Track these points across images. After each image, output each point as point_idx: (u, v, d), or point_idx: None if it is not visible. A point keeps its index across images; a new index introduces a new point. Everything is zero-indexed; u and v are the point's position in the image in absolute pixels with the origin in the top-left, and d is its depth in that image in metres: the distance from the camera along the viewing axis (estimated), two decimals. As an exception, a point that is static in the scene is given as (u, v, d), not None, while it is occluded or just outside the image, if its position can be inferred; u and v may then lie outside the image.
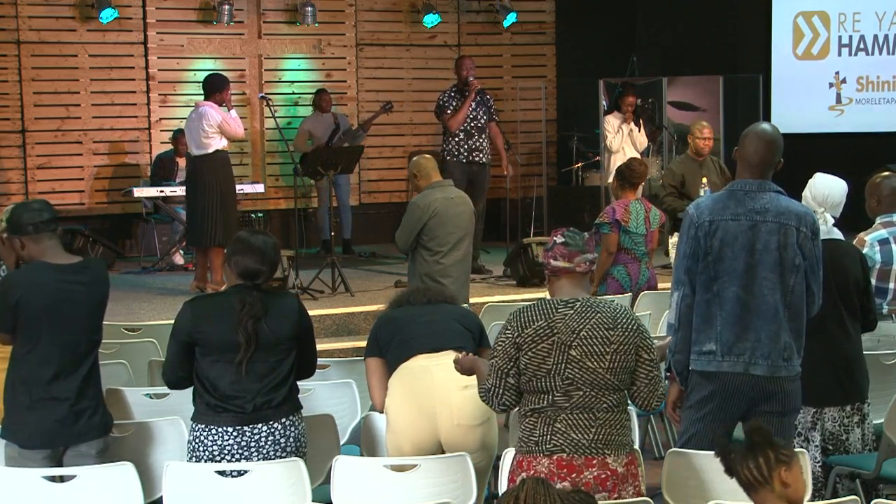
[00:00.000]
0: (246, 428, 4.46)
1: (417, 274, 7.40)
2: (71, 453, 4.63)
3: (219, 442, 4.45)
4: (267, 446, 4.47)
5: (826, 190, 5.15)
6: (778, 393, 4.50)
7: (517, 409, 4.01)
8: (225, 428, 4.45)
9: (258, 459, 4.44)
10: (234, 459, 4.44)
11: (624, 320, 3.93)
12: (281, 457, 4.46)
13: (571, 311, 3.91)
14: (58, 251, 4.69)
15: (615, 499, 3.83)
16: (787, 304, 4.51)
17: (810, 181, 5.23)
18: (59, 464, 4.59)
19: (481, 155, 10.31)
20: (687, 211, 4.65)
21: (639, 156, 11.30)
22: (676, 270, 4.61)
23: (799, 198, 4.71)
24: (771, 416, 4.52)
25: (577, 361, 3.87)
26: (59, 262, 4.66)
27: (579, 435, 3.86)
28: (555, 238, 4.05)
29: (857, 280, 5.05)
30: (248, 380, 4.46)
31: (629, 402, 4.03)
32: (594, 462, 3.85)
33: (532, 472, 3.85)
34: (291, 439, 4.52)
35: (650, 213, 7.81)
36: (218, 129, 9.07)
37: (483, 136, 10.33)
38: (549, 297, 4.05)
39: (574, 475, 3.82)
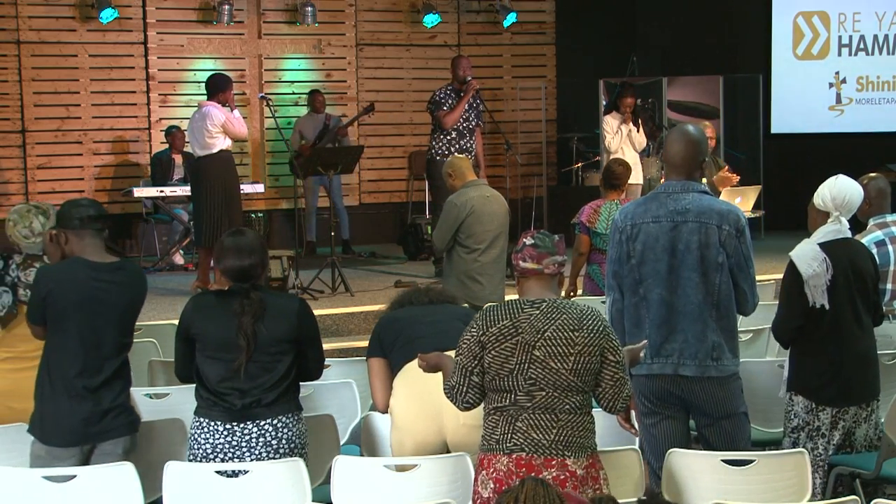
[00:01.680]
0: (236, 427, 4.47)
1: (455, 273, 7.45)
2: (97, 452, 4.64)
3: (211, 441, 4.47)
4: (259, 447, 4.47)
5: (847, 194, 5.10)
6: (710, 394, 4.55)
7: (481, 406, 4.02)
8: (216, 426, 4.47)
9: (251, 459, 4.44)
10: (227, 458, 4.45)
11: (590, 322, 3.92)
12: (273, 458, 4.46)
13: (537, 312, 3.92)
14: (98, 250, 4.74)
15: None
16: (715, 303, 4.55)
17: (832, 181, 5.12)
18: (87, 462, 4.60)
19: (470, 156, 10.31)
20: (614, 216, 4.70)
21: (637, 156, 11.32)
22: (606, 276, 4.72)
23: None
24: (711, 427, 4.60)
25: (540, 362, 3.87)
26: (95, 260, 4.70)
27: (540, 435, 3.87)
28: (524, 240, 4.08)
29: (871, 277, 5.06)
30: (240, 379, 4.47)
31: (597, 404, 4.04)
32: (553, 463, 3.86)
33: (492, 469, 3.89)
34: (284, 441, 4.50)
35: None
36: (222, 128, 9.09)
37: (472, 137, 10.35)
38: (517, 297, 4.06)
39: (533, 475, 3.82)
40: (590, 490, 3.89)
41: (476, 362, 3.93)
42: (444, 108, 10.23)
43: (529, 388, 3.88)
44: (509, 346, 3.89)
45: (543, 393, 3.88)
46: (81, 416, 4.59)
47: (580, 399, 3.93)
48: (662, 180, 11.12)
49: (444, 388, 4.07)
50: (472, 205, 7.42)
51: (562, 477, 3.84)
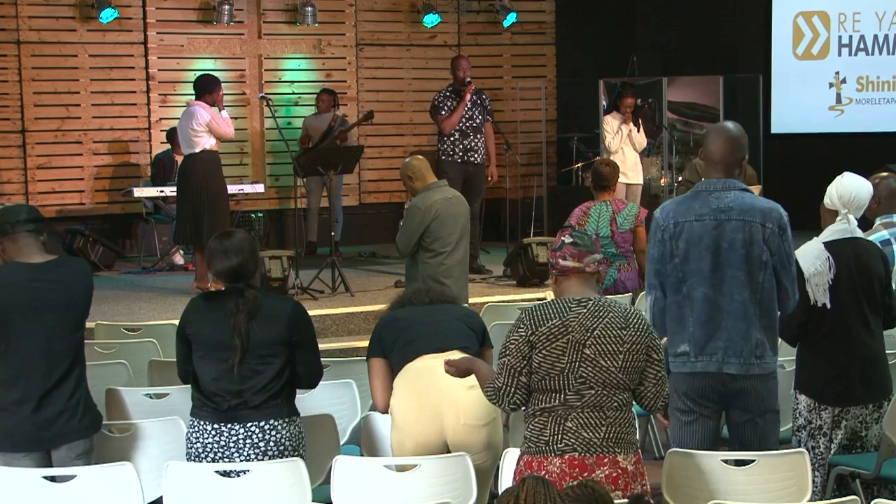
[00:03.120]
0: (223, 427, 4.48)
1: (420, 276, 7.38)
2: (55, 455, 4.60)
3: (201, 440, 4.49)
4: (246, 448, 4.47)
5: (854, 191, 5.11)
6: (752, 392, 4.52)
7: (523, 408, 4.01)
8: (205, 426, 4.49)
9: (240, 460, 4.45)
10: (216, 459, 4.46)
11: (636, 320, 3.95)
12: (262, 460, 4.45)
13: (585, 310, 3.92)
14: (34, 251, 4.65)
15: (626, 497, 3.83)
16: (758, 301, 4.53)
17: (838, 180, 5.15)
18: (49, 465, 4.56)
19: (476, 155, 10.31)
20: (654, 214, 4.66)
21: (637, 156, 11.33)
22: (648, 275, 4.65)
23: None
24: (748, 416, 4.56)
25: (590, 360, 3.87)
26: (32, 262, 4.62)
27: (590, 434, 3.87)
28: (563, 238, 4.06)
29: (880, 277, 5.05)
30: (231, 380, 4.47)
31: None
32: (605, 461, 3.86)
33: (543, 472, 3.85)
34: (272, 443, 4.50)
35: (618, 215, 7.80)
36: (206, 128, 9.14)
37: (479, 136, 10.33)
38: (554, 297, 4.05)
39: (586, 474, 3.82)
40: (638, 486, 3.90)
41: (525, 363, 3.90)
42: (442, 112, 10.24)
43: (579, 386, 3.88)
44: (560, 345, 3.88)
45: (593, 391, 3.88)
46: (32, 421, 4.52)
47: (626, 396, 3.94)
48: (663, 181, 11.03)
49: (487, 391, 4.02)
50: (436, 209, 7.32)
51: (614, 474, 3.85)
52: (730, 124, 4.70)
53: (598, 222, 7.76)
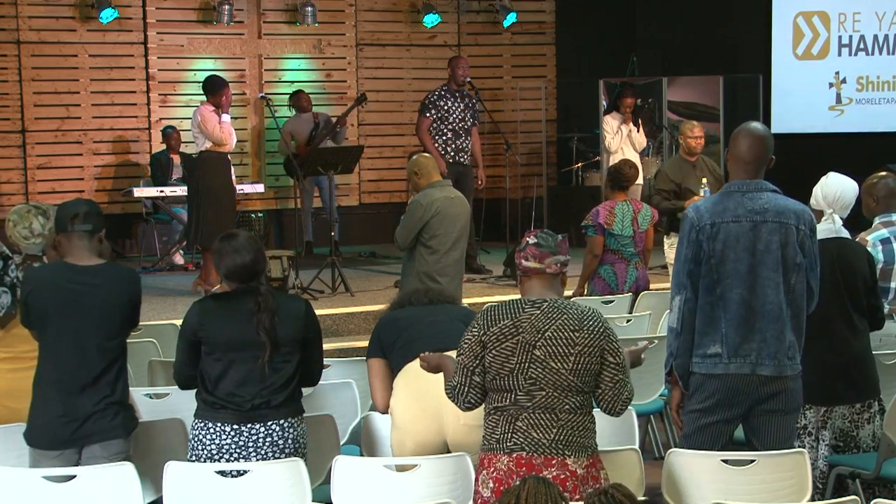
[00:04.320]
0: (244, 428, 4.47)
1: (416, 272, 7.41)
2: (86, 454, 4.61)
3: (217, 441, 4.47)
4: (265, 447, 4.48)
5: (839, 190, 5.13)
6: (782, 392, 4.51)
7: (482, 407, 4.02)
8: (223, 427, 4.47)
9: (256, 459, 4.45)
10: (232, 459, 4.45)
11: (590, 322, 3.94)
12: (279, 458, 4.46)
13: (538, 312, 3.93)
14: (85, 253, 4.67)
15: (576, 500, 3.82)
16: (789, 302, 4.52)
17: (822, 180, 5.20)
18: (77, 465, 4.58)
19: (466, 156, 10.36)
20: (686, 214, 4.62)
21: (637, 156, 11.31)
22: (678, 275, 4.58)
23: (797, 198, 4.72)
24: (773, 415, 4.52)
25: (540, 361, 3.89)
26: (78, 264, 4.65)
27: (540, 434, 3.89)
28: (528, 239, 4.10)
29: (864, 278, 5.07)
30: (252, 380, 4.47)
31: (596, 405, 4.04)
32: (553, 462, 3.88)
33: (492, 468, 3.90)
34: (290, 441, 4.53)
35: (639, 214, 7.81)
36: (199, 130, 9.17)
37: (468, 137, 10.37)
38: (521, 297, 4.06)
39: (534, 473, 3.81)
40: (590, 489, 3.89)
41: (477, 362, 3.94)
42: (430, 112, 10.23)
43: (529, 387, 3.89)
44: (510, 345, 3.90)
45: (543, 393, 3.89)
46: (63, 420, 4.56)
47: (580, 399, 3.94)
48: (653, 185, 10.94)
49: (446, 389, 4.08)
50: (437, 206, 7.35)
51: (562, 476, 3.85)
52: (757, 125, 4.68)
53: (623, 222, 7.76)
